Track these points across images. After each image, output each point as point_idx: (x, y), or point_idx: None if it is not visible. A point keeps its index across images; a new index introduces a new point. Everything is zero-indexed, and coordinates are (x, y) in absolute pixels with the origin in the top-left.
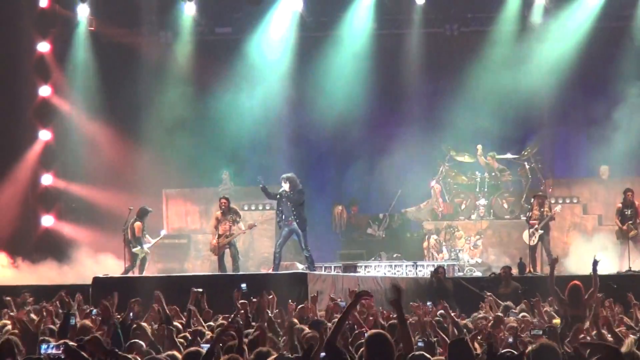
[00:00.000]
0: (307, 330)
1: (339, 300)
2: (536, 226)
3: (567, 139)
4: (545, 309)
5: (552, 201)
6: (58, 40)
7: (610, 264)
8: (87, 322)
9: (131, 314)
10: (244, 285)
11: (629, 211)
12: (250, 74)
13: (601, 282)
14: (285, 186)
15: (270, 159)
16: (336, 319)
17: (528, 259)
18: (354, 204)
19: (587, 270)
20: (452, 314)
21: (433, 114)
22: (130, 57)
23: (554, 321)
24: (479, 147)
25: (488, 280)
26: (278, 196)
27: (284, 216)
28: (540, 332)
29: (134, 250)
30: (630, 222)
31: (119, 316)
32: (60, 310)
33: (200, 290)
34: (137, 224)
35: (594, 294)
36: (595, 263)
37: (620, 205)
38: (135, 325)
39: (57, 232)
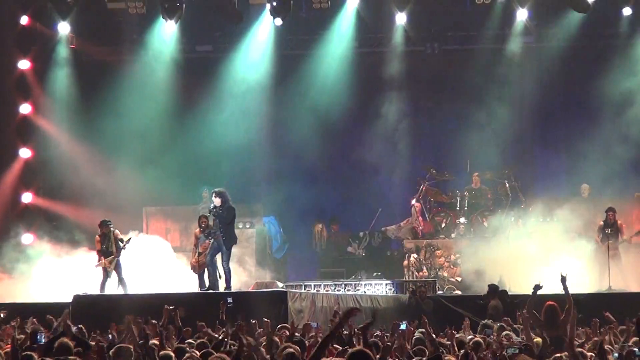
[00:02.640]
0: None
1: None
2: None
3: (548, 157)
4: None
5: (532, 219)
6: (39, 58)
7: (590, 282)
8: (66, 339)
9: (110, 336)
10: (230, 299)
11: (610, 230)
12: (231, 91)
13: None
14: (217, 201)
15: (250, 176)
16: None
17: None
18: (334, 222)
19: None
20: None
21: (413, 133)
22: (110, 75)
23: (535, 340)
24: (476, 175)
25: (484, 297)
26: (209, 212)
27: (215, 230)
28: (517, 350)
29: (96, 265)
30: (611, 241)
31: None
32: (28, 330)
33: (172, 307)
34: (96, 237)
35: (570, 311)
36: (563, 280)
37: (601, 223)
38: (115, 348)
39: (36, 249)
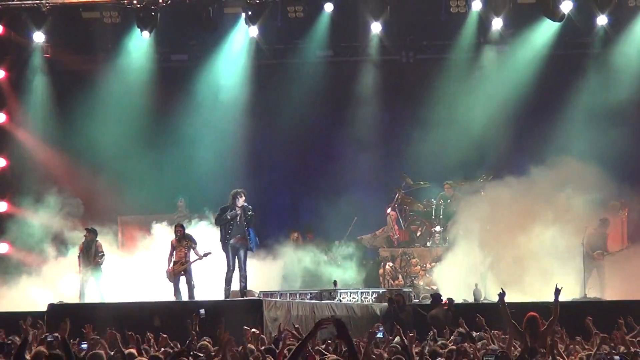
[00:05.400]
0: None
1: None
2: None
3: (523, 166)
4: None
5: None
6: (13, 67)
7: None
8: (42, 348)
9: (83, 345)
10: (202, 311)
11: (597, 238)
12: (205, 101)
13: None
14: (242, 201)
15: (226, 186)
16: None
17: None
18: (309, 231)
19: (541, 297)
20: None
21: (389, 141)
22: (85, 84)
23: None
24: (447, 186)
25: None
26: (233, 214)
27: (237, 234)
28: (494, 358)
29: (77, 272)
30: (598, 251)
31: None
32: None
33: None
34: (80, 244)
35: (554, 324)
36: (557, 292)
37: (592, 230)
38: (91, 353)
39: (11, 258)
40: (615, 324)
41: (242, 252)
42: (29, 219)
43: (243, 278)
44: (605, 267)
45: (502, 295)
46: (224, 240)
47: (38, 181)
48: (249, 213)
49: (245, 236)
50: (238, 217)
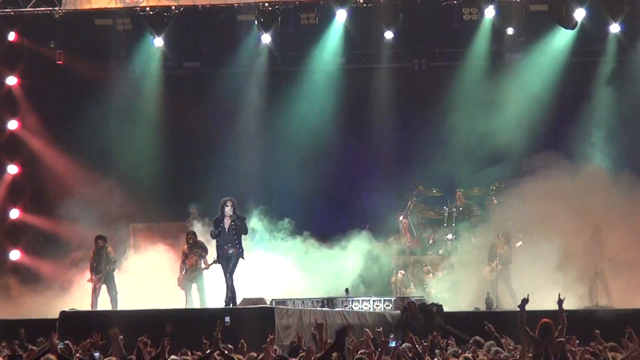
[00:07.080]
0: None
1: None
2: (495, 262)
3: (538, 173)
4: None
5: (520, 235)
6: (26, 74)
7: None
8: (51, 355)
9: (97, 355)
10: (227, 319)
11: (595, 247)
12: (218, 108)
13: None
14: (229, 209)
15: (238, 193)
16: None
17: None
18: (322, 239)
19: (552, 305)
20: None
21: (401, 149)
22: (98, 91)
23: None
24: (459, 193)
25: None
26: (220, 225)
27: (226, 243)
28: None
29: (88, 280)
30: (597, 257)
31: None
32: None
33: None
34: (90, 252)
35: (563, 332)
36: (560, 302)
37: (587, 239)
38: None
39: (24, 266)
40: (625, 332)
41: (232, 260)
42: (41, 226)
43: (229, 289)
44: (606, 274)
45: (525, 301)
46: (217, 252)
47: (50, 188)
48: (234, 222)
49: (234, 245)
50: (227, 227)
